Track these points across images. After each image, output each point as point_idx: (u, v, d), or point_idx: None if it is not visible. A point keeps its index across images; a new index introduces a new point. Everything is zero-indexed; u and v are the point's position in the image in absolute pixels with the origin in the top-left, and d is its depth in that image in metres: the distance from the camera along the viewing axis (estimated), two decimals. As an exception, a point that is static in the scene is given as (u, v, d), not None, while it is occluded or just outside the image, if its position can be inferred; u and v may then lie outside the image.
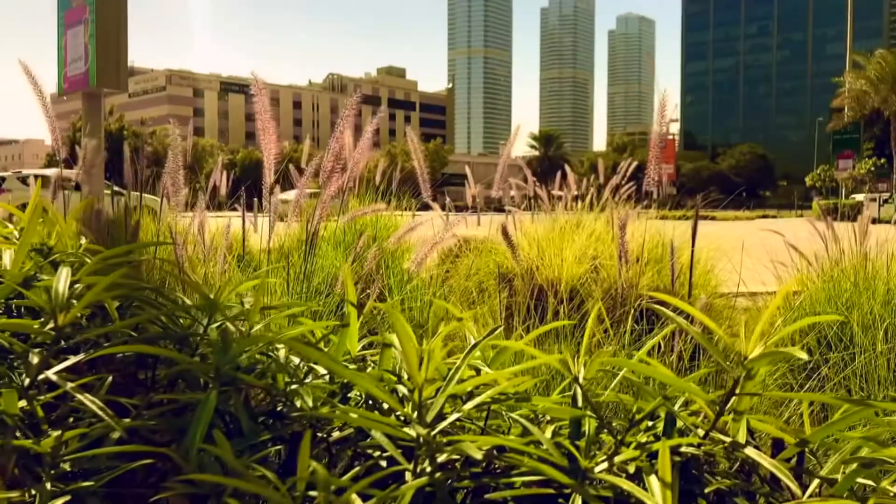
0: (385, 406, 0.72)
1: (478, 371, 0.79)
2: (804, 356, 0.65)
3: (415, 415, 0.65)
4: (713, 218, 27.46)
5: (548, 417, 0.78)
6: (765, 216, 38.48)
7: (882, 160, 44.22)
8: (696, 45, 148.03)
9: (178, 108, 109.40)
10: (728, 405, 0.71)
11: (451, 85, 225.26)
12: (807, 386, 2.13)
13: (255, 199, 4.79)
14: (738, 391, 0.69)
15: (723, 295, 3.94)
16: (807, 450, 0.73)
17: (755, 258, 3.86)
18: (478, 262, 4.45)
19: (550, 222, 5.20)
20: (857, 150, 42.64)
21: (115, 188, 5.28)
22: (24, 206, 5.15)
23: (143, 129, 65.13)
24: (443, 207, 5.95)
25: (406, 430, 0.63)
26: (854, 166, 41.38)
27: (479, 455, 0.59)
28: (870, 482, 0.64)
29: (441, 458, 0.63)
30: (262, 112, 1.94)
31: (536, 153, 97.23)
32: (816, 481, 0.66)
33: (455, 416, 0.69)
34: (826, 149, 52.33)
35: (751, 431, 0.75)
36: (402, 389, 0.70)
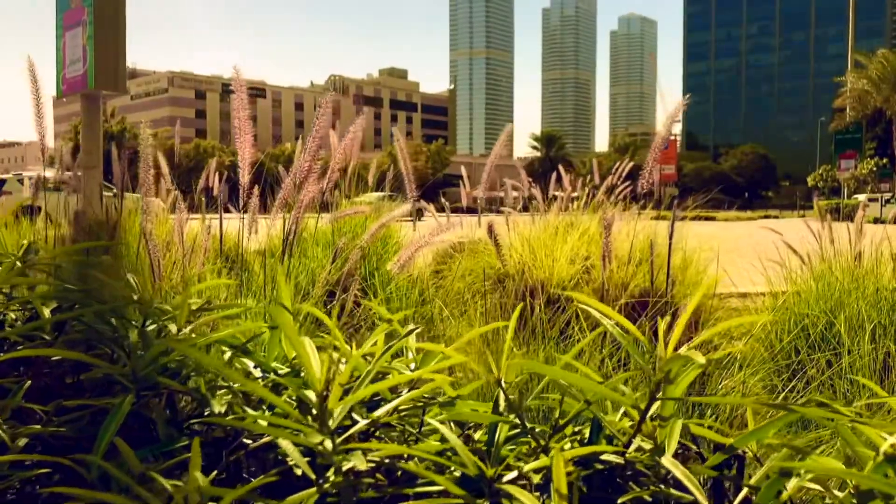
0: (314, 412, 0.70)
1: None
2: (702, 360, 0.63)
3: (322, 422, 0.63)
4: (714, 218, 27.47)
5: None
6: (766, 216, 38.41)
7: (884, 160, 44.06)
8: (698, 45, 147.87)
9: (180, 110, 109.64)
10: (652, 410, 0.68)
11: (452, 86, 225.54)
12: (790, 386, 2.10)
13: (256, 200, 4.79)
14: (658, 396, 0.67)
15: (715, 296, 3.92)
16: (753, 455, 0.71)
17: (749, 258, 3.83)
18: (470, 264, 4.43)
19: (544, 223, 5.18)
20: (860, 150, 42.51)
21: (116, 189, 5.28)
22: (25, 209, 5.12)
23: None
24: (440, 209, 5.93)
25: (310, 438, 0.61)
26: (856, 166, 41.25)
27: (363, 466, 0.57)
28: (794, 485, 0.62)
29: (346, 466, 0.61)
30: (239, 110, 1.92)
31: (538, 154, 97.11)
32: (745, 490, 0.64)
33: (363, 422, 0.66)
34: (828, 149, 52.15)
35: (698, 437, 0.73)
36: (311, 396, 0.67)
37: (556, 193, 6.15)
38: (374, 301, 2.69)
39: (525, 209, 5.89)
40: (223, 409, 0.71)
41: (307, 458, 0.59)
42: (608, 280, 3.57)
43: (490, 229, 2.20)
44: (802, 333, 2.47)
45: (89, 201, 5.48)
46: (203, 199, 4.32)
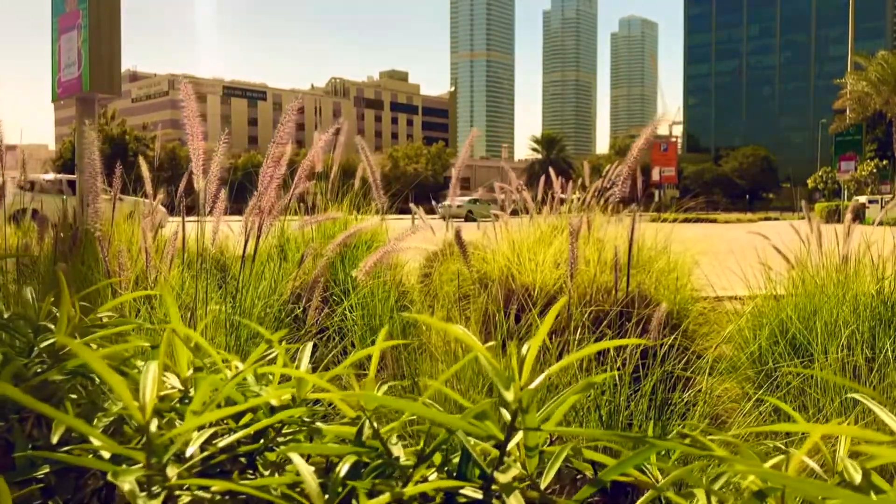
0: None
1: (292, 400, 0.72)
2: (511, 398, 0.59)
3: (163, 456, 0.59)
4: (714, 220, 27.46)
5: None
6: (767, 218, 38.36)
7: (884, 162, 43.99)
8: (699, 47, 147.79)
9: (181, 113, 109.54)
10: (513, 441, 0.64)
11: (453, 88, 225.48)
12: (761, 391, 2.07)
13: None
14: (516, 425, 0.63)
15: (699, 300, 3.89)
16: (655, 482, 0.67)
17: (737, 261, 3.80)
18: (457, 267, 4.40)
19: (533, 226, 5.15)
20: (860, 151, 42.45)
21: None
22: (21, 212, 5.09)
23: (144, 134, 65.49)
24: (430, 212, 5.91)
25: (124, 476, 0.58)
26: (856, 168, 41.20)
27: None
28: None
29: (183, 502, 0.58)
30: (190, 118, 1.91)
31: (539, 156, 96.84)
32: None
33: (203, 455, 0.63)
34: (829, 151, 52.00)
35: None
36: (151, 426, 0.63)
37: (560, 196, 6.10)
38: (344, 305, 2.65)
39: (514, 213, 5.85)
40: (55, 440, 0.67)
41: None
42: (588, 284, 3.54)
43: (457, 236, 2.16)
44: (772, 338, 2.44)
45: (84, 205, 5.46)
46: (197, 201, 4.28)
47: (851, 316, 2.54)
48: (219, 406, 0.66)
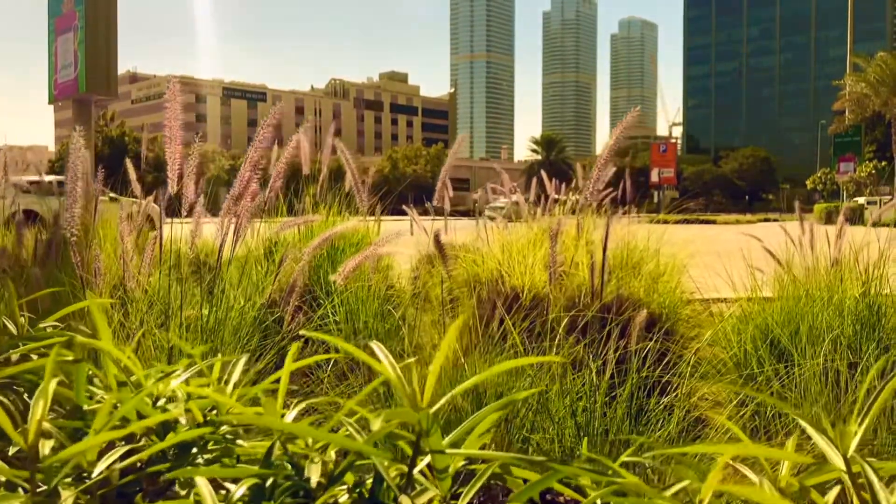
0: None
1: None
2: (378, 423, 0.58)
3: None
4: (713, 221, 27.39)
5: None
6: (766, 220, 38.29)
7: (883, 163, 43.99)
8: (699, 48, 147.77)
9: (181, 114, 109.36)
10: (422, 463, 0.63)
11: (453, 89, 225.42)
12: (738, 399, 2.06)
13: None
14: (421, 447, 0.62)
15: (687, 302, 3.87)
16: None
17: (725, 265, 3.78)
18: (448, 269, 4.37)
19: (525, 229, 5.14)
20: (858, 153, 42.48)
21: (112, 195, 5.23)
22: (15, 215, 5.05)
23: (143, 135, 65.61)
24: (426, 213, 5.88)
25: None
26: (855, 169, 41.23)
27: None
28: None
29: None
30: (171, 121, 1.90)
31: (538, 157, 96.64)
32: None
33: (100, 478, 0.61)
34: (828, 152, 51.94)
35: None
36: (45, 448, 0.61)
37: (556, 196, 6.08)
38: (325, 307, 2.64)
39: (508, 217, 5.84)
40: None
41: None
42: (576, 287, 3.53)
43: (437, 239, 2.15)
44: (755, 342, 2.42)
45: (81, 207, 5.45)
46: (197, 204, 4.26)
47: (836, 320, 2.52)
48: (127, 424, 0.65)
